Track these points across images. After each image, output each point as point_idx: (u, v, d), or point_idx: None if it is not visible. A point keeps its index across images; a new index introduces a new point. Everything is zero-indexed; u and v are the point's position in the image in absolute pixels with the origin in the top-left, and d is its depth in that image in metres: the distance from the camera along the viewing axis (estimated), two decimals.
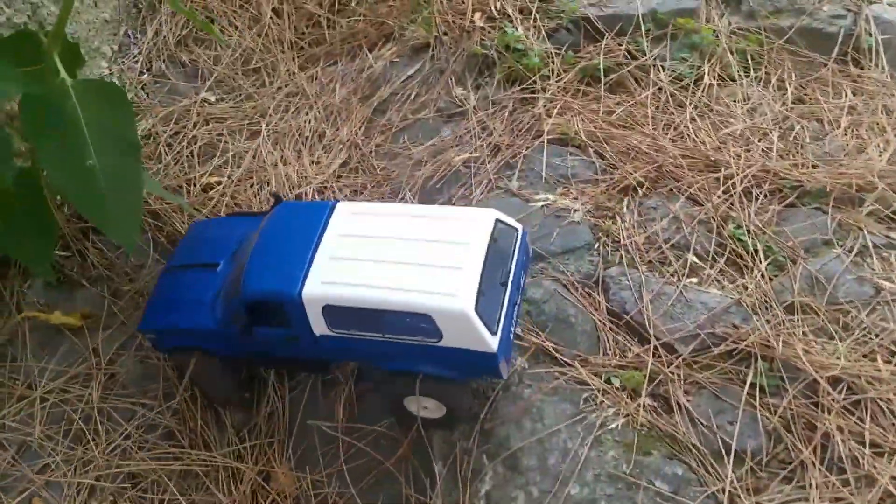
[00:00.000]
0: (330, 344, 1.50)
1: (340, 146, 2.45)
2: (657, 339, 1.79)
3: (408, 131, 2.46)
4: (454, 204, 2.17)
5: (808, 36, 2.70)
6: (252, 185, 2.30)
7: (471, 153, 2.30)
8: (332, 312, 1.45)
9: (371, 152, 2.40)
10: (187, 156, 2.35)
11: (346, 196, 2.27)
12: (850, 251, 1.97)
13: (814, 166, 2.19)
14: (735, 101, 2.49)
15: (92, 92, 1.59)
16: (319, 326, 1.48)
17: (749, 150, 2.28)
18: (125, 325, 1.96)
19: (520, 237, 1.61)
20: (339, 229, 1.55)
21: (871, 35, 2.73)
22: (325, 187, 2.27)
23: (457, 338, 1.41)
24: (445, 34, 2.67)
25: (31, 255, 1.78)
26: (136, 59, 2.65)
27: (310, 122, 2.50)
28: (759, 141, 2.33)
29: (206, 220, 1.93)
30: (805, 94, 2.56)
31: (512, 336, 1.54)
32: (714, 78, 2.54)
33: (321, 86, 2.66)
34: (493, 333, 1.42)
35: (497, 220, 1.55)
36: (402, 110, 2.51)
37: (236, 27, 2.78)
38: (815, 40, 2.71)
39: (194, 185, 2.26)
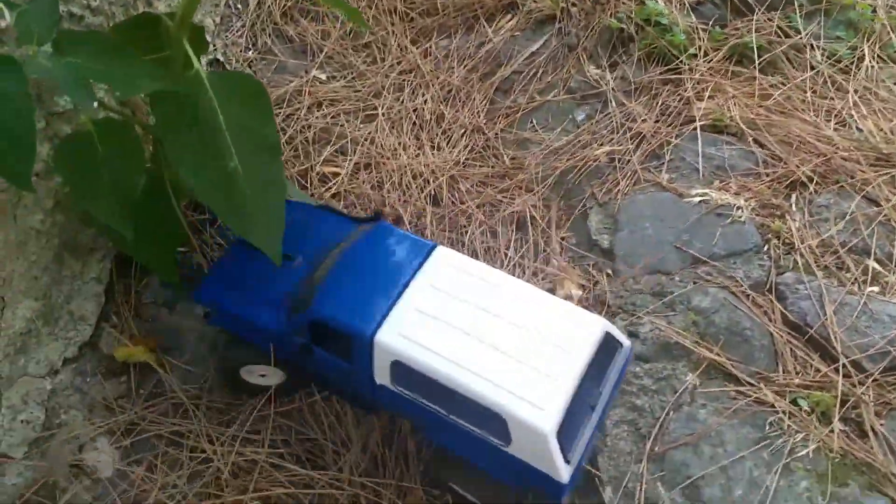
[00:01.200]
0: (387, 395, 1.40)
1: (462, 130, 2.39)
2: (845, 357, 1.72)
3: (536, 114, 2.39)
4: (597, 200, 2.11)
5: None
6: (371, 174, 2.25)
7: (612, 144, 2.22)
8: (400, 369, 1.33)
9: (497, 137, 2.34)
10: (302, 142, 2.31)
11: (473, 186, 2.21)
12: None
13: None
14: None
15: (229, 85, 1.53)
16: (383, 376, 1.38)
17: None
18: None
19: (624, 356, 1.43)
20: (432, 279, 1.41)
21: None
22: (453, 178, 2.21)
23: (528, 452, 1.27)
24: (574, 5, 2.58)
25: (156, 258, 1.75)
26: (241, 33, 2.61)
27: (427, 104, 2.45)
28: None
29: (293, 203, 1.76)
30: None
31: (584, 463, 1.40)
32: (874, 59, 2.42)
33: (437, 62, 2.59)
34: (568, 462, 1.27)
35: (606, 333, 1.37)
36: (529, 91, 2.44)
37: None
38: None
39: (312, 176, 2.22)
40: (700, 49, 2.40)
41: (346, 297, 1.43)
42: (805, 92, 2.31)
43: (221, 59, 2.50)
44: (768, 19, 2.47)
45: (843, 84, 2.34)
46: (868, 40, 2.45)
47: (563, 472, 1.26)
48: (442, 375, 1.29)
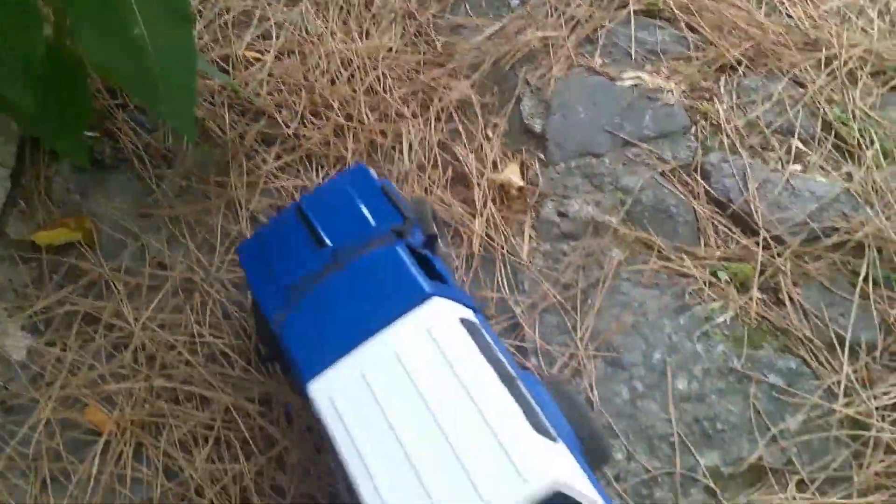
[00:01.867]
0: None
1: (392, 16, 2.34)
2: (766, 231, 1.76)
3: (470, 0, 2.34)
4: (529, 85, 2.09)
5: None
6: (295, 61, 2.19)
7: (546, 29, 2.20)
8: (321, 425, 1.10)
9: (429, 23, 2.29)
10: (220, 26, 2.23)
11: (405, 73, 2.17)
12: None
13: None
14: None
15: None
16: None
17: (848, 29, 2.19)
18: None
19: None
20: (399, 343, 1.07)
21: None
22: (384, 64, 2.17)
23: None
24: None
25: (64, 139, 1.70)
26: None
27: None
28: (857, 18, 2.23)
29: (366, 174, 1.45)
30: None
31: None
32: None
33: None
34: None
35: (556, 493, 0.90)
36: None
37: None
38: None
39: (233, 61, 2.16)
40: None
41: (318, 318, 1.17)
42: None
43: None
44: None
45: None
46: None
47: None
48: (345, 467, 1.01)
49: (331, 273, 1.24)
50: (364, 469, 0.95)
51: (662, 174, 1.89)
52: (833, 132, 1.96)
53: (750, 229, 1.80)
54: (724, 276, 1.72)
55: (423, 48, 2.21)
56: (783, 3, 2.26)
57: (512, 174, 1.86)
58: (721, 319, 1.65)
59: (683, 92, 2.03)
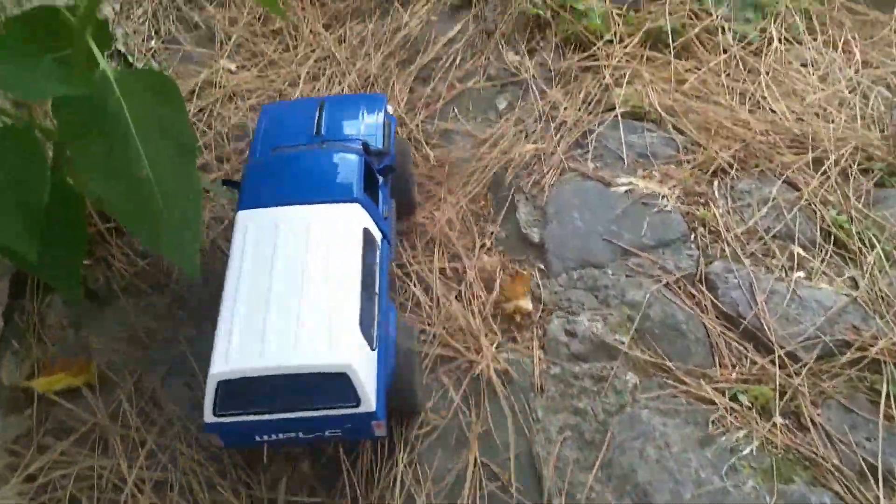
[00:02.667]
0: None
1: None
2: (780, 347, 1.60)
3: (457, 103, 2.18)
4: (524, 192, 1.93)
5: None
6: None
7: (536, 133, 2.04)
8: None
9: (419, 129, 2.11)
10: (216, 137, 2.04)
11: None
12: None
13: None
14: (805, 66, 2.27)
15: (139, 84, 1.29)
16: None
17: (831, 122, 2.08)
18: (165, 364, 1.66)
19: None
20: (321, 216, 1.42)
21: None
22: None
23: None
24: None
25: (61, 274, 1.48)
26: (142, 20, 2.29)
27: (345, 93, 2.20)
28: (838, 112, 2.12)
29: (382, 103, 1.75)
30: (870, 57, 2.36)
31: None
32: (781, 41, 2.31)
33: (352, 49, 2.34)
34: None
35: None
36: (448, 78, 2.23)
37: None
38: None
39: (228, 169, 1.96)
40: (616, 34, 2.23)
41: (274, 173, 1.50)
42: (719, 75, 2.18)
43: (123, 49, 2.18)
44: (680, 2, 2.32)
45: (755, 66, 2.21)
46: (775, 21, 2.33)
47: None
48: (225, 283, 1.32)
49: (305, 149, 1.52)
50: (233, 300, 1.27)
51: (667, 286, 1.72)
52: (832, 236, 1.82)
53: (763, 346, 1.63)
54: (744, 399, 1.55)
55: (418, 161, 2.02)
56: (765, 98, 2.14)
57: (521, 301, 1.68)
58: (747, 451, 1.48)
59: (678, 197, 1.88)
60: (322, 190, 1.42)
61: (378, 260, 1.38)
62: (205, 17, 2.36)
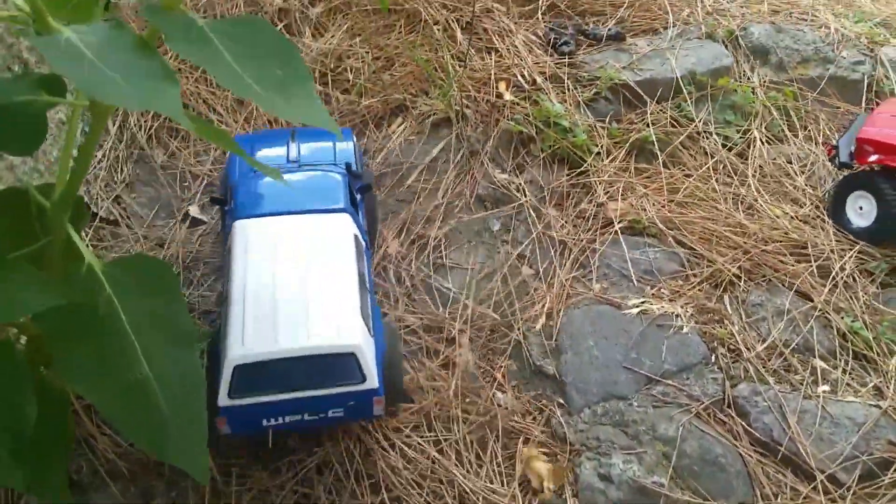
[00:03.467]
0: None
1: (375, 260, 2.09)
2: (820, 472, 1.55)
3: (448, 226, 2.12)
4: (531, 321, 1.87)
5: (836, 85, 2.57)
6: None
7: (535, 255, 2.00)
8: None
9: (418, 273, 2.03)
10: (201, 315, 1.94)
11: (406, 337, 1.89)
12: None
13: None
14: (790, 163, 2.31)
15: (130, 277, 1.18)
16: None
17: (826, 220, 2.10)
18: None
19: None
20: (317, 223, 1.59)
21: (888, 78, 2.62)
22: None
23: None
24: (468, 107, 2.36)
25: (44, 480, 1.34)
26: (102, 164, 2.20)
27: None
28: (829, 216, 2.14)
29: (349, 134, 1.98)
30: None
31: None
32: (763, 141, 2.34)
33: None
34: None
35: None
36: (436, 199, 2.18)
37: (221, 114, 2.37)
38: (844, 89, 2.57)
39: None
40: (603, 148, 2.23)
41: (266, 187, 1.66)
42: (709, 181, 2.19)
43: (85, 198, 2.08)
44: (661, 110, 2.35)
45: (744, 169, 2.23)
46: (755, 121, 2.37)
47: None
48: (227, 289, 1.44)
49: (289, 169, 1.68)
50: (241, 294, 1.39)
51: (698, 415, 1.67)
52: (850, 344, 1.80)
53: (802, 471, 1.58)
54: None
55: (416, 307, 1.93)
56: (757, 201, 2.15)
57: (544, 475, 1.60)
58: None
59: (692, 315, 1.85)
60: (314, 201, 1.60)
61: (366, 262, 1.59)
62: (169, 155, 2.27)
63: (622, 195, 2.12)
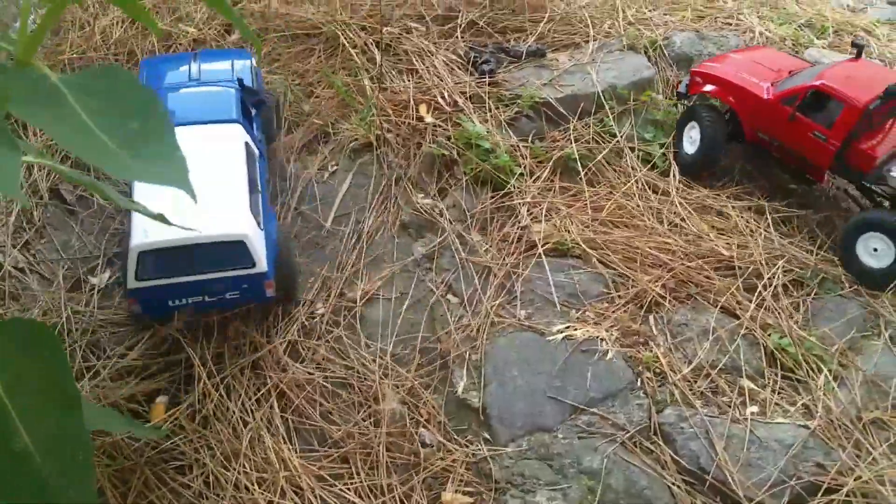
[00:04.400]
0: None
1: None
2: (749, 500, 1.51)
3: (372, 250, 2.05)
4: (455, 353, 1.80)
5: None
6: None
7: (457, 281, 1.94)
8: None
9: (329, 297, 1.96)
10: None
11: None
12: (892, 340, 1.80)
13: (819, 247, 2.03)
14: (710, 177, 2.28)
15: (8, 342, 1.10)
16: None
17: (753, 234, 2.07)
18: None
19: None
20: (211, 131, 1.86)
21: None
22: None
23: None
24: (389, 131, 2.29)
25: None
26: None
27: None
28: (757, 224, 2.12)
29: (248, 56, 2.18)
30: None
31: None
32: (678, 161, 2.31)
33: None
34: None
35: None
36: (359, 229, 2.10)
37: None
38: None
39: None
40: (526, 168, 2.17)
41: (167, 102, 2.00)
42: (632, 198, 2.14)
43: None
44: (584, 126, 2.30)
45: (665, 187, 2.19)
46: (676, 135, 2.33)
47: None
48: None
49: (189, 86, 1.96)
50: (143, 195, 1.57)
51: (623, 445, 1.61)
52: (778, 362, 1.75)
53: (730, 500, 1.53)
54: None
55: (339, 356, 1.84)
56: (679, 216, 2.11)
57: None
58: None
59: (617, 339, 1.79)
60: (209, 114, 1.84)
61: (258, 169, 1.83)
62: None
63: (546, 216, 2.06)
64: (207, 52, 2.11)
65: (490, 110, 2.29)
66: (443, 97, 2.31)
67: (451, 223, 2.08)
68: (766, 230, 2.08)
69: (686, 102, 2.29)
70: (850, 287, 1.96)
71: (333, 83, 2.36)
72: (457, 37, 2.51)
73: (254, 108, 2.00)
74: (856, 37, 2.45)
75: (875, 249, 1.94)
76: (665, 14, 2.78)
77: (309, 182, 2.22)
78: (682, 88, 2.28)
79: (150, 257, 1.60)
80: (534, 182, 2.14)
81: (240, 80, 1.99)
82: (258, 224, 1.70)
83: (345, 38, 2.46)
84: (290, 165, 2.29)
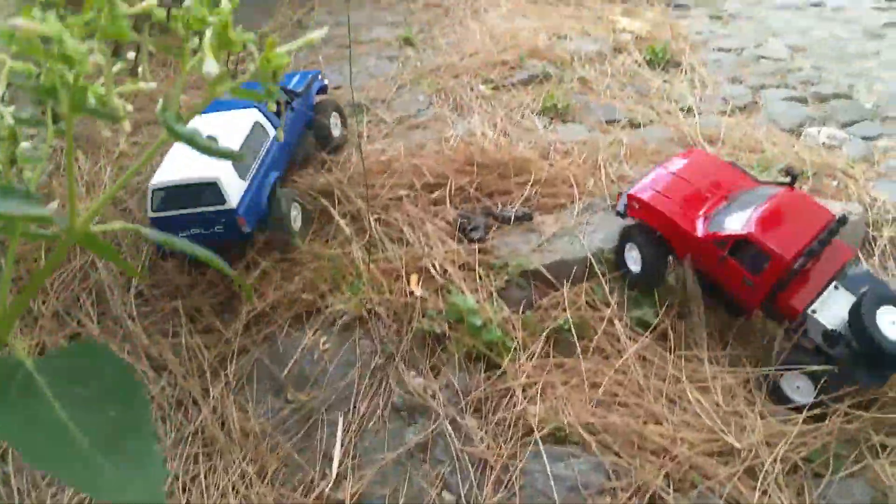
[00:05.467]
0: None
1: None
2: None
3: (363, 442, 1.99)
4: None
5: None
6: None
7: (454, 475, 1.87)
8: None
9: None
10: None
11: None
12: None
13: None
14: (710, 348, 2.24)
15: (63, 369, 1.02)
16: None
17: (752, 407, 2.03)
18: None
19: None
20: (229, 114, 2.73)
21: None
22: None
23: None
24: (380, 304, 2.26)
25: None
26: None
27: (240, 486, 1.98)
28: (751, 409, 2.07)
29: (317, 75, 3.06)
30: None
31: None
32: (673, 327, 2.26)
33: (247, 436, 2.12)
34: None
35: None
36: (349, 417, 2.05)
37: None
38: None
39: None
40: (518, 342, 2.13)
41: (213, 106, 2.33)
42: (628, 373, 2.10)
43: None
44: (575, 293, 2.27)
45: (660, 360, 2.15)
46: (667, 303, 2.30)
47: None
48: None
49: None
50: (169, 152, 2.52)
51: None
52: None
53: None
54: None
55: None
56: (677, 393, 2.07)
57: None
58: None
59: None
60: (234, 104, 2.66)
61: (265, 143, 2.57)
62: None
63: (542, 395, 2.01)
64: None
65: (480, 279, 2.28)
66: (434, 266, 2.29)
67: (444, 406, 2.03)
68: (762, 405, 2.03)
69: (625, 221, 2.32)
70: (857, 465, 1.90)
71: (324, 255, 2.35)
72: (445, 204, 2.51)
73: (290, 105, 2.77)
74: (791, 166, 2.41)
75: (798, 387, 2.01)
76: (645, 169, 2.81)
77: (298, 363, 2.18)
78: (620, 208, 2.30)
79: (160, 194, 2.34)
80: (528, 359, 2.10)
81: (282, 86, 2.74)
82: (241, 176, 2.38)
83: (335, 210, 2.46)
84: (279, 341, 2.26)
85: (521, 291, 2.28)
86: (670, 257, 2.26)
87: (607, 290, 2.29)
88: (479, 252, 2.35)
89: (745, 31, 4.26)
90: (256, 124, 2.49)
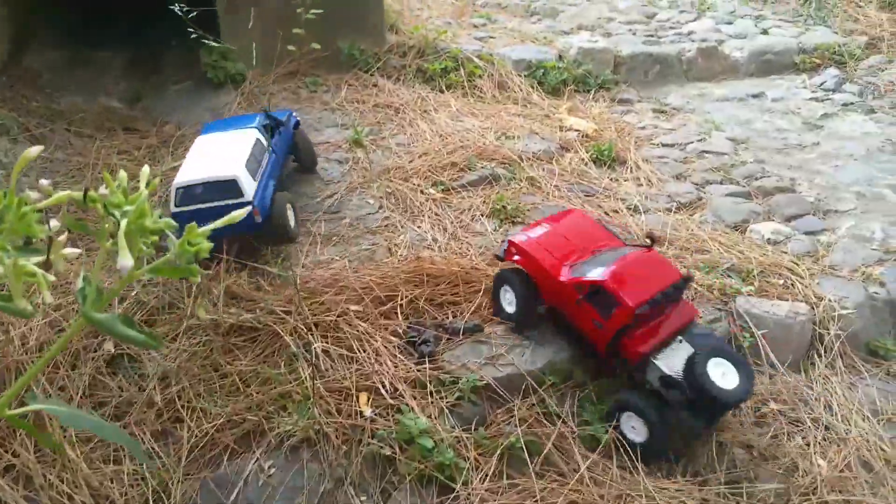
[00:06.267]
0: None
1: None
2: None
3: None
4: None
5: None
6: None
7: None
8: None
9: None
10: None
11: None
12: None
13: None
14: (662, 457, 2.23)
15: None
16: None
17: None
18: None
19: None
20: (236, 131, 3.27)
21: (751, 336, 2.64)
22: None
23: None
24: (328, 424, 2.20)
25: None
26: None
27: None
28: None
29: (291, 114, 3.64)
30: None
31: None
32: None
33: None
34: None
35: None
36: None
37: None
38: None
39: None
40: (471, 462, 2.09)
41: (221, 124, 3.56)
42: (582, 493, 2.07)
43: None
44: (526, 407, 2.25)
45: (612, 480, 2.13)
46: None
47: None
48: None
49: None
50: (191, 156, 3.11)
51: None
52: None
53: None
54: None
55: None
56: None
57: None
58: None
59: None
60: (239, 126, 3.20)
61: (265, 155, 3.09)
62: None
63: None
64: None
65: (431, 395, 2.24)
66: (383, 384, 2.25)
67: None
68: None
69: (502, 265, 2.55)
70: None
71: (270, 375, 2.30)
72: (396, 317, 2.49)
73: (275, 130, 3.31)
74: (651, 231, 2.60)
75: (633, 427, 2.21)
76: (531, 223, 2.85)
77: (240, 491, 2.10)
78: (500, 253, 2.52)
79: (183, 190, 2.79)
80: (481, 481, 2.06)
81: (264, 110, 3.40)
82: (252, 176, 2.90)
83: (280, 328, 2.42)
84: (224, 465, 2.18)
85: (473, 407, 2.25)
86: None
87: (555, 403, 2.27)
88: (430, 367, 2.32)
89: (689, 125, 4.38)
90: (257, 140, 3.04)
